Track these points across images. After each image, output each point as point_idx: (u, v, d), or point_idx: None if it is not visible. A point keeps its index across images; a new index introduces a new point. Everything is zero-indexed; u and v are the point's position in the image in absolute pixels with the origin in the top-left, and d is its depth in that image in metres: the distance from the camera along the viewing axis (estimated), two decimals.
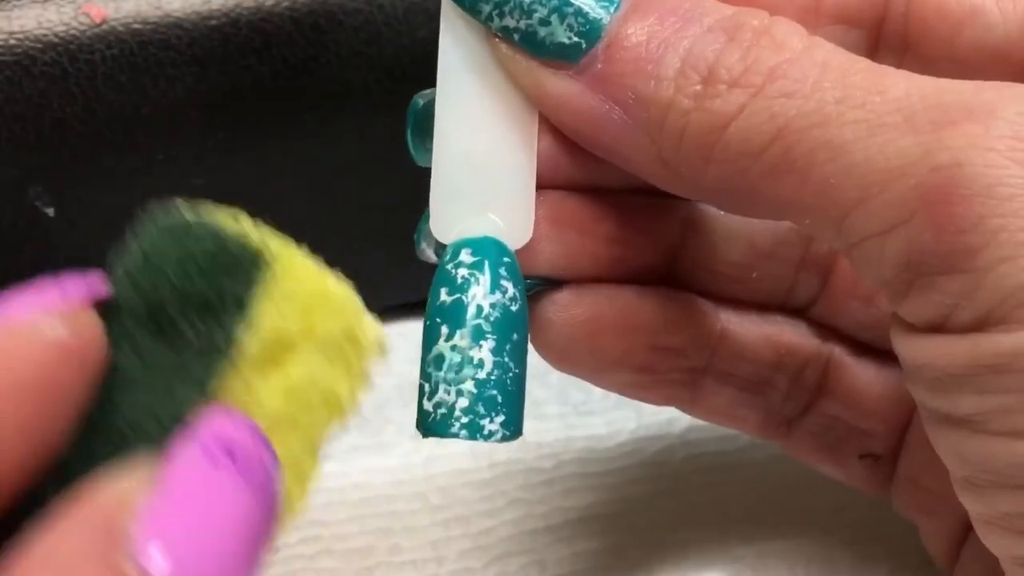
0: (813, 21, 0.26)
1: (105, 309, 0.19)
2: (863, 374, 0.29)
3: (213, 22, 0.33)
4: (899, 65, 0.26)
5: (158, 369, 0.19)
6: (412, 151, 0.26)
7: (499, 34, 0.25)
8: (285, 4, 0.34)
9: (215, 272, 0.20)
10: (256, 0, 0.34)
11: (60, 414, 0.18)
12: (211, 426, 0.18)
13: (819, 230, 0.23)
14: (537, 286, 0.26)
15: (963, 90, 0.21)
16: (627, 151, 0.24)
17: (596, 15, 0.24)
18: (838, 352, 0.29)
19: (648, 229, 0.27)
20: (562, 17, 0.24)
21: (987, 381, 0.21)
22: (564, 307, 0.26)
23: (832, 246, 0.23)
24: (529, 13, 0.24)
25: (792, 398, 0.29)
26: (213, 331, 0.19)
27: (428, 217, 0.26)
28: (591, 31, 0.24)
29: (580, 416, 0.36)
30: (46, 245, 0.35)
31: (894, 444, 0.29)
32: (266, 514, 0.18)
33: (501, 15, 0.24)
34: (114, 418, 0.18)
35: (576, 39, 0.24)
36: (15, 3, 0.33)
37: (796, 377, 0.29)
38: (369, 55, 0.34)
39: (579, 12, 0.24)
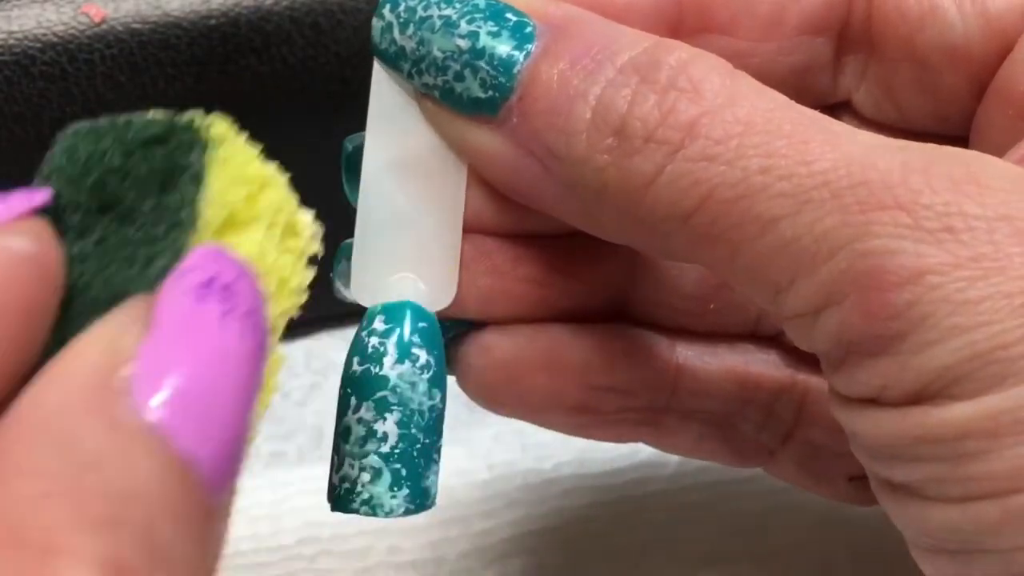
0: (777, 34, 0.25)
1: (50, 211, 0.19)
2: None
3: (212, 22, 0.33)
4: (864, 69, 0.26)
5: (121, 250, 0.18)
6: (348, 195, 0.26)
7: (422, 90, 0.24)
8: (285, 4, 0.34)
9: (163, 150, 0.19)
10: (256, 0, 0.34)
11: (37, 327, 0.17)
12: (196, 263, 0.18)
13: (754, 298, 0.22)
14: (459, 327, 0.25)
15: (889, 167, 0.21)
16: (552, 205, 0.24)
17: (508, 65, 0.23)
18: (815, 379, 0.28)
19: (581, 269, 0.26)
20: (475, 71, 0.23)
21: (918, 451, 0.21)
22: (484, 349, 0.25)
23: (769, 312, 0.23)
24: (444, 69, 0.23)
25: (768, 429, 0.28)
26: (173, 204, 0.19)
27: (343, 253, 0.25)
28: (504, 83, 0.23)
29: None
30: None
31: None
32: (258, 348, 0.17)
33: (420, 72, 0.24)
34: (89, 308, 0.18)
35: (491, 92, 0.23)
36: (15, 3, 0.33)
37: (768, 409, 0.28)
38: (369, 55, 0.34)
39: (490, 64, 0.23)
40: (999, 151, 0.23)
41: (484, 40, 0.23)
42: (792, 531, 0.33)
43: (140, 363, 0.16)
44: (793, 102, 0.22)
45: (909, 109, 0.26)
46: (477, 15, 0.23)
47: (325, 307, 0.38)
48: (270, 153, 0.35)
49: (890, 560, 0.29)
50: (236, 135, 0.20)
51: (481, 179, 0.25)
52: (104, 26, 0.33)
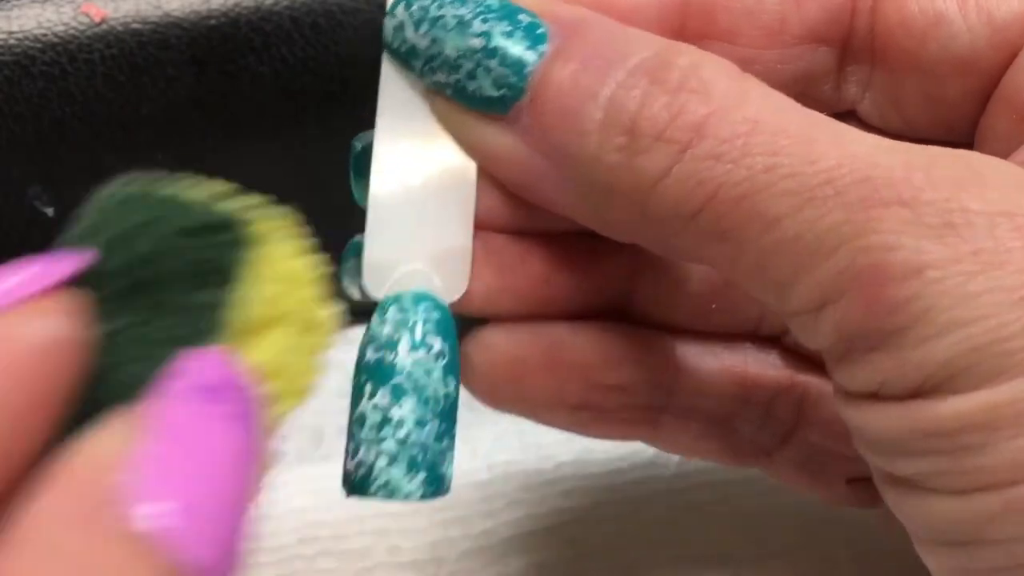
0: (779, 43, 0.26)
1: (84, 281, 0.18)
2: None
3: (212, 22, 0.33)
4: (868, 79, 0.26)
5: (144, 342, 0.18)
6: (355, 194, 0.26)
7: (433, 88, 0.24)
8: (285, 3, 0.34)
9: (202, 243, 0.19)
10: (256, 0, 0.34)
11: (47, 419, 0.17)
12: (192, 366, 0.18)
13: (759, 297, 0.23)
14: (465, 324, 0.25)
15: (892, 165, 0.21)
16: (561, 204, 0.24)
17: (520, 65, 0.23)
18: (815, 380, 0.28)
19: (588, 267, 0.26)
20: (488, 70, 0.23)
21: (920, 445, 0.21)
22: (487, 347, 0.25)
23: (773, 309, 0.23)
24: (456, 67, 0.24)
25: (768, 428, 0.28)
26: (204, 303, 0.19)
27: (352, 251, 0.25)
28: (516, 83, 0.23)
29: None
30: (46, 245, 0.35)
31: None
32: (251, 451, 0.18)
33: (432, 70, 0.24)
34: (103, 392, 0.18)
35: (503, 91, 0.23)
36: (15, 3, 0.33)
37: (767, 409, 0.28)
38: (369, 55, 0.34)
39: (503, 63, 0.23)
40: (1003, 157, 0.23)
41: (497, 40, 0.23)
42: (792, 531, 0.33)
43: (130, 471, 0.16)
44: (799, 104, 0.22)
45: (915, 118, 0.26)
46: (491, 15, 0.24)
47: None
48: (270, 153, 0.35)
49: (891, 559, 0.29)
50: (280, 230, 0.20)
51: (490, 176, 0.25)
52: (104, 26, 0.33)
